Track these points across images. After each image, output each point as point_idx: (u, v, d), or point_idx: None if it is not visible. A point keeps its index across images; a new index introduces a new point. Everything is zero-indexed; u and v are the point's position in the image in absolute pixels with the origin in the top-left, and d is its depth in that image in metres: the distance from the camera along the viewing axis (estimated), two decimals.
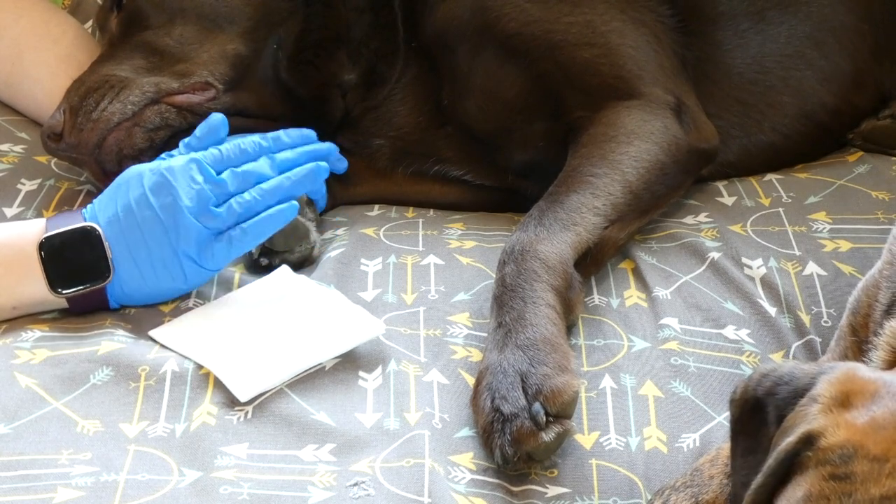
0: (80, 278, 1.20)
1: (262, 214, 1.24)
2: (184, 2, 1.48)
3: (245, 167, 1.26)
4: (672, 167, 1.41)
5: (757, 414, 0.89)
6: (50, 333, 1.19)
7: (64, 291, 1.20)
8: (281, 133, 1.33)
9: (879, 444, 0.79)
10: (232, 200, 1.23)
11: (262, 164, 1.28)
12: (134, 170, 1.24)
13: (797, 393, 0.86)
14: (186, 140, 1.31)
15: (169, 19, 1.48)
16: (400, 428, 1.11)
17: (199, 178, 1.22)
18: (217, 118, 1.31)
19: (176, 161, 1.23)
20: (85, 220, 1.22)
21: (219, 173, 1.24)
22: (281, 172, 1.29)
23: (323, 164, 1.32)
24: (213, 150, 1.26)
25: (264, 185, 1.26)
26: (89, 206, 1.25)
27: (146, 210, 1.20)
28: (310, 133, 1.36)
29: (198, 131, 1.30)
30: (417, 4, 1.55)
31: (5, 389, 1.11)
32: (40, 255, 1.19)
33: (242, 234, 1.23)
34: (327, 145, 1.38)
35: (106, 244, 1.20)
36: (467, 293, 1.30)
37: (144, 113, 1.42)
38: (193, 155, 1.25)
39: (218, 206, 1.23)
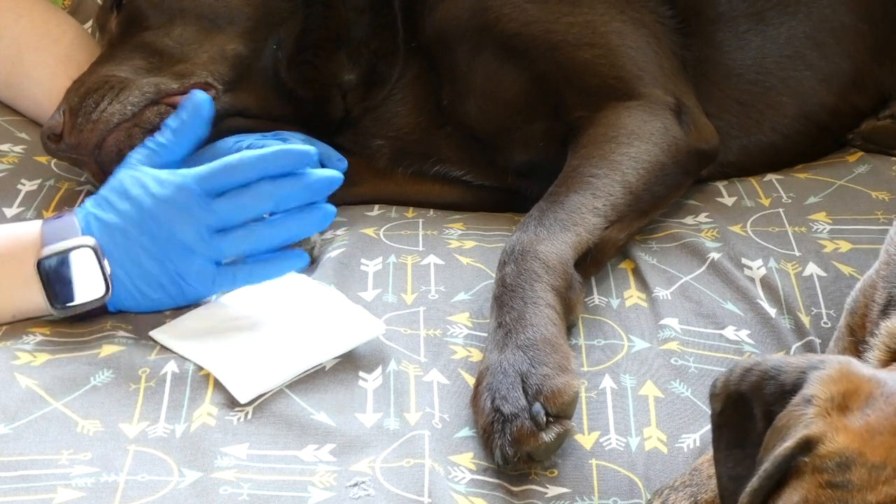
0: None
1: (273, 260, 1.23)
2: (183, 2, 1.48)
3: (244, 196, 1.21)
4: (672, 168, 1.41)
5: (741, 408, 0.88)
6: (51, 338, 1.19)
7: (64, 306, 1.19)
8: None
9: (877, 450, 0.79)
10: (237, 232, 1.21)
11: (264, 192, 1.22)
12: (131, 175, 1.23)
13: (785, 389, 0.86)
14: (168, 121, 1.28)
15: (168, 20, 1.48)
16: (400, 428, 1.11)
17: (200, 213, 1.20)
18: (200, 97, 1.28)
19: (175, 177, 1.21)
20: (78, 220, 1.20)
21: (218, 193, 1.21)
22: (281, 205, 1.24)
23: (331, 207, 1.27)
24: (210, 166, 1.21)
25: (268, 229, 1.23)
26: (82, 208, 1.22)
27: (149, 223, 1.19)
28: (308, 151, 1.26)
29: (182, 112, 1.28)
30: (417, 4, 1.54)
31: (5, 390, 1.11)
32: (39, 274, 1.18)
33: (249, 274, 1.23)
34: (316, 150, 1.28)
35: (104, 262, 1.19)
36: (467, 293, 1.30)
37: (144, 113, 1.41)
38: (192, 176, 1.21)
39: (220, 231, 1.21)
